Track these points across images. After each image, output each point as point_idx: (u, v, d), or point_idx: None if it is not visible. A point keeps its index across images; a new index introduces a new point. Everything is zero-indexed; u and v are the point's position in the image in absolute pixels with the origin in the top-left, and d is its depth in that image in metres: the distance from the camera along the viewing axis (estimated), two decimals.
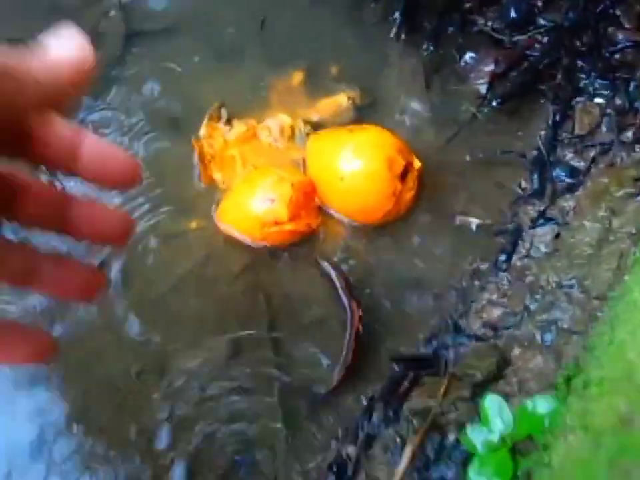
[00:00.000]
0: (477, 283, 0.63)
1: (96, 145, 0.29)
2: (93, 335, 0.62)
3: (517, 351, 0.55)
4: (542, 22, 0.72)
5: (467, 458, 0.49)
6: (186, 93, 0.71)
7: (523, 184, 0.67)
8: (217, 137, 0.68)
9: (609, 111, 0.67)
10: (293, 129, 0.68)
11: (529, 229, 0.64)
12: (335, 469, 0.56)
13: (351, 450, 0.57)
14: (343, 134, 0.66)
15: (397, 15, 0.74)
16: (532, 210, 0.65)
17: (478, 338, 0.58)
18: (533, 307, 0.58)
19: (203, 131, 0.68)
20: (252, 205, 0.63)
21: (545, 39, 0.71)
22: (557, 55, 0.70)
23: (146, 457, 0.58)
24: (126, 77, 0.72)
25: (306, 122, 0.69)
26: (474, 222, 0.66)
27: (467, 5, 0.74)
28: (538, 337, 0.55)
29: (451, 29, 0.74)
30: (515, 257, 0.62)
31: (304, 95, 0.71)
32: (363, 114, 0.70)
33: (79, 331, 0.62)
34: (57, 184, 0.32)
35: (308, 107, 0.70)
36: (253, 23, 0.75)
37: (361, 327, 0.61)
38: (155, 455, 0.58)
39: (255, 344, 0.62)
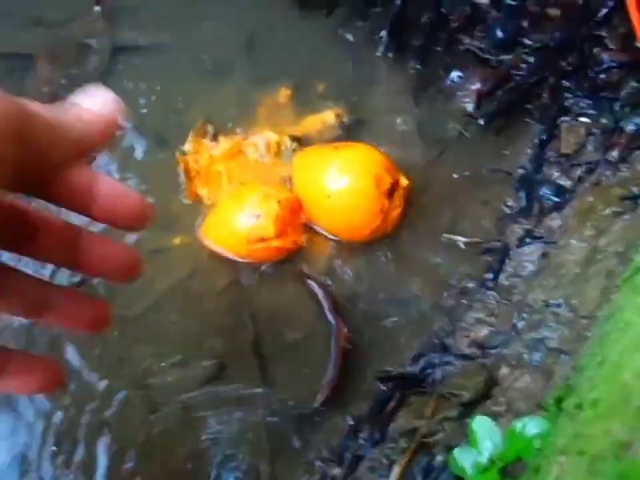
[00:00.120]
0: (464, 301, 0.63)
1: (110, 187, 0.30)
2: (72, 351, 0.60)
3: (505, 370, 0.55)
4: (528, 42, 0.72)
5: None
6: (172, 108, 0.71)
7: (510, 202, 0.67)
8: (203, 152, 0.68)
9: (594, 130, 0.68)
10: (279, 145, 0.68)
11: (516, 247, 0.64)
12: None
13: (336, 471, 0.56)
14: (330, 151, 0.66)
15: (384, 33, 0.74)
16: (519, 228, 0.65)
17: (465, 357, 0.58)
18: (520, 325, 0.57)
19: (188, 147, 0.68)
20: (237, 221, 0.63)
21: (531, 59, 0.71)
22: (543, 74, 0.71)
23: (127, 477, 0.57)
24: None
25: (292, 138, 0.68)
26: (461, 240, 0.66)
27: (454, 25, 0.74)
28: (526, 356, 0.55)
29: (437, 47, 0.74)
30: (502, 276, 0.62)
31: (291, 111, 0.71)
32: (349, 131, 0.70)
33: (57, 348, 0.60)
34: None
35: (295, 124, 0.70)
36: (240, 39, 0.75)
37: (346, 345, 0.60)
38: (131, 476, 0.57)
39: (239, 362, 0.61)
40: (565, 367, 0.50)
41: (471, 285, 0.64)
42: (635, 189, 0.60)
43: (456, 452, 0.46)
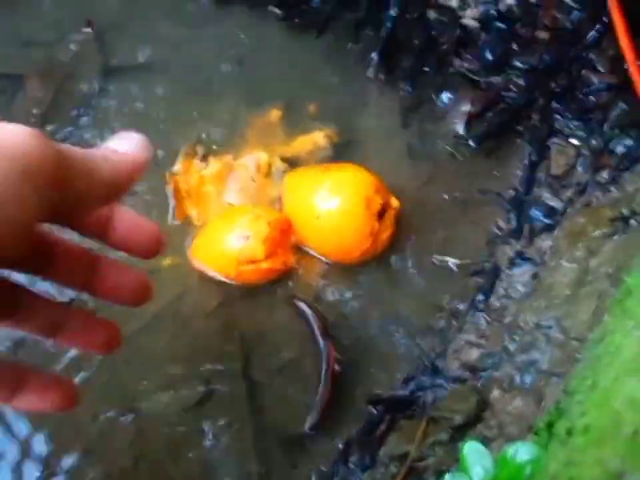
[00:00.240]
0: (454, 323, 0.62)
1: (128, 217, 0.33)
2: (60, 374, 0.60)
3: (496, 393, 0.54)
4: (517, 64, 0.73)
5: None
6: (162, 128, 0.71)
7: (501, 223, 0.67)
8: (193, 173, 0.68)
9: (584, 151, 0.68)
10: (269, 166, 0.68)
11: (507, 268, 0.63)
12: None
13: None
14: (320, 172, 0.66)
15: (374, 55, 0.74)
16: (510, 250, 0.65)
17: (456, 380, 0.57)
18: (511, 347, 0.57)
19: (178, 167, 0.68)
20: (227, 242, 0.62)
21: (521, 81, 0.72)
22: (533, 96, 0.71)
23: None
24: (100, 111, 0.71)
25: (283, 159, 0.68)
26: (451, 261, 0.65)
27: (444, 47, 0.75)
28: (517, 379, 0.54)
29: (427, 69, 0.75)
30: (492, 297, 0.62)
31: (281, 132, 0.71)
32: (340, 152, 0.70)
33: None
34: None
35: (285, 144, 0.70)
36: (231, 59, 0.75)
37: (336, 368, 0.60)
38: None
39: (228, 384, 0.60)
40: (556, 390, 0.50)
41: (461, 306, 0.63)
42: (625, 211, 0.61)
43: (447, 477, 0.45)
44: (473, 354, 0.59)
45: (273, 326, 0.63)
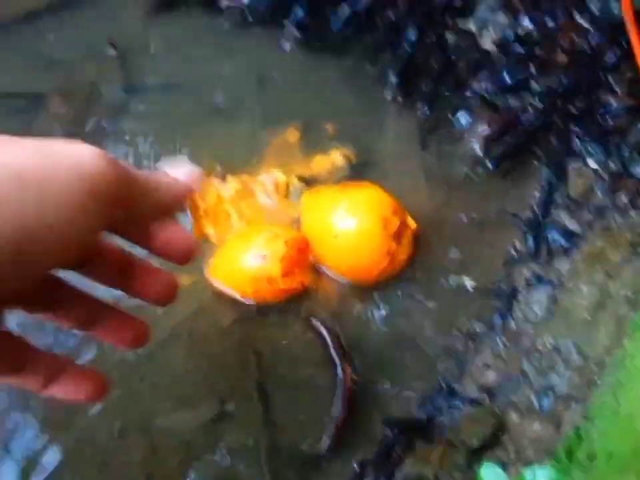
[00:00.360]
0: (471, 345, 0.62)
1: (167, 227, 0.35)
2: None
3: (513, 417, 0.54)
4: (535, 87, 0.73)
5: None
6: (181, 147, 0.71)
7: (518, 245, 0.67)
8: (211, 191, 0.68)
9: (603, 174, 0.68)
10: (287, 185, 0.68)
11: (524, 291, 0.63)
12: None
13: None
14: (338, 192, 0.66)
15: (393, 77, 0.75)
16: (527, 272, 0.64)
17: (473, 402, 0.57)
18: (529, 371, 0.57)
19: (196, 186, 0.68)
20: (244, 261, 0.63)
21: (539, 103, 0.72)
22: (551, 118, 0.71)
23: None
24: (122, 131, 0.72)
25: (301, 179, 0.69)
26: (468, 283, 0.65)
27: (462, 69, 0.75)
28: (535, 403, 0.54)
29: (446, 92, 0.75)
30: (510, 320, 0.62)
31: (299, 152, 0.71)
32: (357, 173, 0.70)
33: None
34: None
35: (303, 164, 0.70)
36: (250, 79, 0.76)
37: (352, 388, 0.60)
38: None
39: (243, 403, 0.60)
40: (575, 415, 0.49)
41: (478, 328, 0.63)
42: None
43: None
44: (490, 376, 0.59)
45: (288, 345, 0.63)
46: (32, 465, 0.57)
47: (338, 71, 0.77)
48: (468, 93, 0.74)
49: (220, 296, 0.64)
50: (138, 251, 0.37)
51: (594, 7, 0.73)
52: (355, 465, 0.58)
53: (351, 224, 0.63)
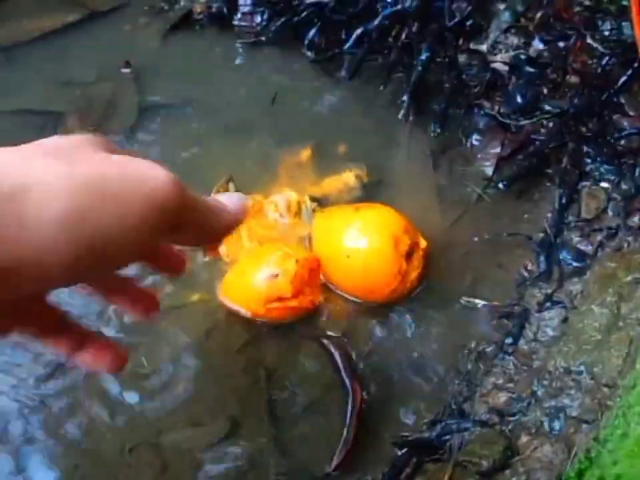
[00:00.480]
0: (482, 366, 0.62)
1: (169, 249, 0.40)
2: (86, 407, 0.60)
3: (524, 439, 0.53)
4: (547, 107, 0.73)
5: None
6: (194, 165, 0.72)
7: (530, 266, 0.67)
8: None
9: (615, 195, 0.68)
10: (299, 205, 0.69)
11: (536, 312, 0.63)
12: None
13: None
14: (350, 212, 0.66)
15: (405, 97, 0.75)
16: (539, 293, 0.64)
17: (483, 424, 0.56)
18: (540, 392, 0.56)
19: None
20: (256, 280, 0.63)
21: (551, 124, 0.72)
22: (563, 139, 0.71)
23: None
24: (137, 148, 0.73)
25: (313, 199, 0.69)
26: (480, 303, 0.65)
27: (474, 90, 0.75)
28: (546, 425, 0.53)
29: (458, 112, 0.75)
30: (521, 341, 0.61)
31: (311, 171, 0.72)
32: (369, 192, 0.70)
33: (70, 404, 0.60)
34: None
35: (315, 184, 0.71)
36: (263, 99, 0.76)
37: (362, 408, 0.59)
38: None
39: (253, 422, 0.60)
40: (586, 437, 0.49)
41: (489, 349, 0.63)
42: None
43: None
44: (501, 398, 0.58)
45: (299, 364, 0.63)
46: None
47: (350, 91, 0.77)
48: (479, 113, 0.75)
49: (231, 315, 0.64)
50: None
51: (605, 28, 0.73)
52: None
53: (362, 243, 0.63)
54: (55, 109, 0.75)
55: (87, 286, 0.38)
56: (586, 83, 0.72)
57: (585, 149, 0.71)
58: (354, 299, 0.65)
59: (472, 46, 0.77)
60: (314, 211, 0.68)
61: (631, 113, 0.71)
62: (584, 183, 0.70)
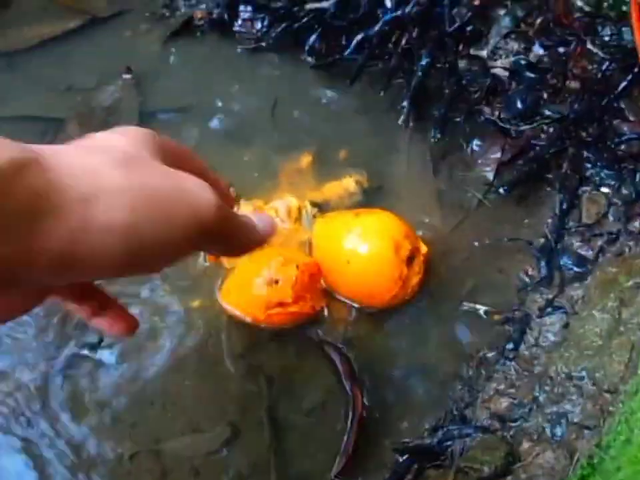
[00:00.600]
0: (483, 372, 0.61)
1: None
2: (85, 413, 0.60)
3: (525, 445, 0.53)
4: (548, 113, 0.73)
5: None
6: None
7: (531, 271, 0.66)
8: None
9: (615, 200, 0.68)
10: (300, 210, 0.69)
11: (537, 317, 0.63)
12: None
13: None
14: (350, 217, 0.66)
15: (405, 103, 0.75)
16: (540, 298, 0.64)
17: (485, 430, 0.56)
18: (542, 398, 0.56)
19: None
20: (256, 286, 0.63)
21: (551, 129, 0.72)
22: (563, 144, 0.71)
23: None
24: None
25: (313, 204, 0.69)
26: (481, 309, 0.65)
27: (474, 95, 0.75)
28: (548, 431, 0.53)
29: (458, 117, 0.75)
30: (523, 346, 0.61)
31: (312, 177, 0.72)
32: (370, 198, 0.70)
33: (71, 409, 0.60)
34: None
35: (316, 190, 0.71)
36: (263, 105, 0.76)
37: (363, 414, 0.59)
38: None
39: (254, 428, 0.60)
40: (588, 444, 0.48)
41: (490, 355, 0.62)
42: None
43: None
44: (503, 404, 0.58)
45: (299, 370, 0.63)
46: None
47: (350, 96, 0.77)
48: (480, 119, 0.75)
49: (232, 320, 0.64)
50: None
51: (605, 34, 0.74)
52: None
53: (362, 249, 0.63)
54: (55, 115, 0.75)
55: (78, 303, 0.40)
56: (586, 88, 0.72)
57: (585, 154, 0.71)
58: (354, 305, 0.65)
59: (472, 51, 0.77)
60: (314, 216, 0.68)
61: (631, 118, 0.71)
62: (584, 188, 0.69)
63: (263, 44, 0.80)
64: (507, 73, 0.75)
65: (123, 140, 0.34)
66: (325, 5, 0.78)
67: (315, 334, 0.64)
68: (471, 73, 0.76)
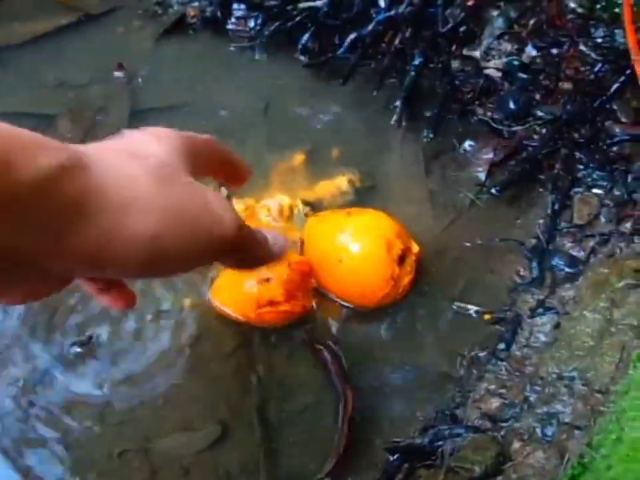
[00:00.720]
0: (474, 372, 0.61)
1: None
2: (75, 412, 0.60)
3: (516, 445, 0.53)
4: (540, 114, 0.73)
5: None
6: None
7: (522, 272, 0.67)
8: None
9: (607, 201, 0.68)
10: (292, 209, 0.68)
11: (529, 317, 0.63)
12: None
13: None
14: (342, 216, 0.66)
15: (398, 102, 0.76)
16: (531, 299, 0.64)
17: (476, 429, 0.56)
18: (532, 398, 0.56)
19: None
20: (247, 284, 0.63)
21: (544, 130, 0.72)
22: (555, 145, 0.71)
23: None
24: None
25: (305, 203, 0.69)
26: (472, 309, 0.65)
27: (467, 96, 0.76)
28: (538, 431, 0.53)
29: (450, 117, 0.75)
30: (514, 346, 0.61)
31: (304, 176, 0.72)
32: (362, 197, 0.70)
33: (60, 407, 0.60)
34: None
35: (308, 189, 0.71)
36: (256, 103, 0.76)
37: (354, 413, 0.59)
38: None
39: (244, 427, 0.60)
40: (578, 443, 0.48)
41: (482, 355, 0.62)
42: None
43: None
44: (494, 404, 0.58)
45: (290, 369, 0.63)
46: None
47: (343, 95, 0.77)
48: (472, 119, 0.75)
49: (222, 319, 0.64)
50: None
51: (598, 36, 0.74)
52: None
53: (355, 248, 0.63)
54: (47, 112, 0.75)
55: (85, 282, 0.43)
56: (578, 89, 0.73)
57: (578, 155, 0.71)
58: (346, 304, 0.65)
59: (465, 52, 0.77)
60: (306, 215, 0.68)
61: (623, 120, 0.71)
62: (576, 189, 0.70)
63: (256, 42, 0.80)
64: (499, 74, 0.75)
65: (156, 145, 0.35)
66: (318, 3, 0.78)
67: (306, 333, 0.64)
68: (464, 73, 0.77)
